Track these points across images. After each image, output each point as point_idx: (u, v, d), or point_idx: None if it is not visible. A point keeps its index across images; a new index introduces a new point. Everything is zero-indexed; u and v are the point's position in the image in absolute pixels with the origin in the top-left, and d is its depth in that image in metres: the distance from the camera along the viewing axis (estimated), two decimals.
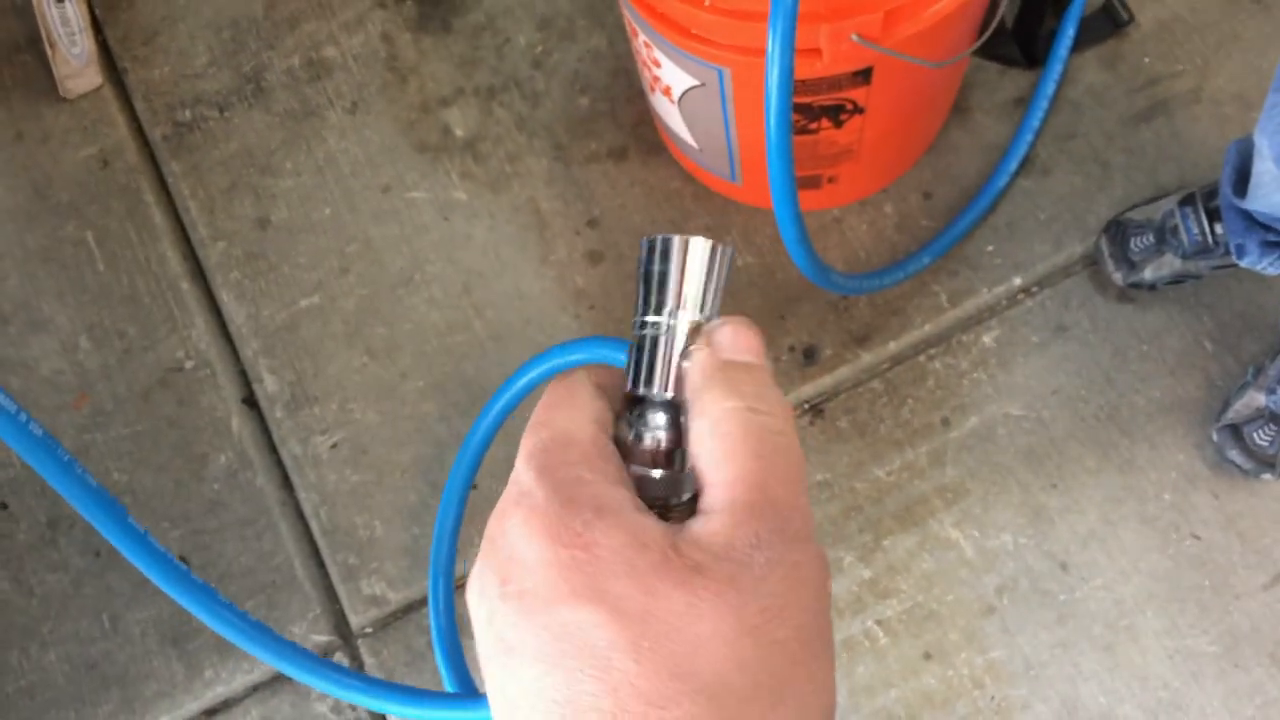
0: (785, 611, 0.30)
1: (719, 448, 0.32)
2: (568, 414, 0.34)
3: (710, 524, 0.31)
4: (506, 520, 0.31)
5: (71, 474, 0.71)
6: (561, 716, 0.28)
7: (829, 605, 0.32)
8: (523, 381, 1.19)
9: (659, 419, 0.35)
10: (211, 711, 1.28)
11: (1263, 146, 0.97)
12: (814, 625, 0.31)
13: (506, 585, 0.30)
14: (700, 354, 0.35)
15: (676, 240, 0.35)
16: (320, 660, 0.93)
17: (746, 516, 0.31)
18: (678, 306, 0.35)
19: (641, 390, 0.35)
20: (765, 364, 0.35)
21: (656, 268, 0.35)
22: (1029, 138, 1.31)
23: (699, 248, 0.35)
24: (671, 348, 0.35)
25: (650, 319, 0.36)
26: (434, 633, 1.13)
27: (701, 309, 0.36)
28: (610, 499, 0.31)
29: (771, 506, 0.31)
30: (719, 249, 0.35)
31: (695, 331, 0.35)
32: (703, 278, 0.35)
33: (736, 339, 0.35)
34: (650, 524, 0.31)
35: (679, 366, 0.35)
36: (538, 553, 0.30)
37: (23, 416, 0.69)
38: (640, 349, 0.36)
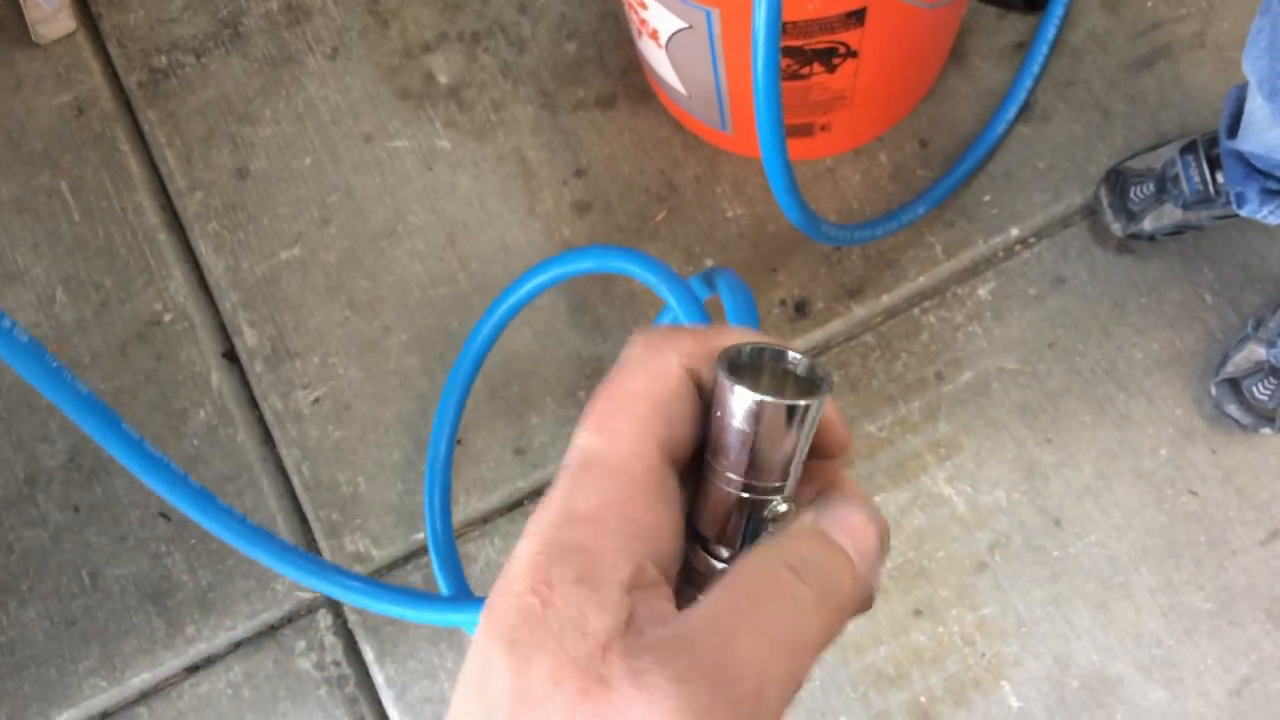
0: None
1: (743, 596, 0.28)
2: (629, 428, 0.29)
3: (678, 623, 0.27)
4: (530, 522, 0.29)
5: (60, 380, 0.70)
6: None
7: None
8: (527, 288, 1.17)
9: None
10: (193, 668, 1.26)
11: (1249, 75, 0.93)
12: None
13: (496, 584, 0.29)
14: (805, 520, 0.30)
15: (774, 407, 0.29)
16: (318, 560, 0.93)
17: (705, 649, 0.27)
18: (786, 479, 0.30)
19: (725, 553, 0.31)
20: (862, 569, 0.30)
21: (765, 431, 0.29)
22: (1028, 84, 1.28)
23: (815, 408, 0.29)
24: (760, 519, 0.31)
25: (745, 488, 0.30)
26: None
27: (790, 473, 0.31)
28: (605, 567, 0.27)
29: (727, 665, 0.26)
30: (809, 408, 0.29)
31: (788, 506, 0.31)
32: (800, 441, 0.30)
33: (848, 527, 0.30)
34: (621, 603, 0.27)
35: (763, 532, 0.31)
36: (514, 579, 0.28)
37: (6, 322, 0.67)
38: (736, 512, 0.31)
